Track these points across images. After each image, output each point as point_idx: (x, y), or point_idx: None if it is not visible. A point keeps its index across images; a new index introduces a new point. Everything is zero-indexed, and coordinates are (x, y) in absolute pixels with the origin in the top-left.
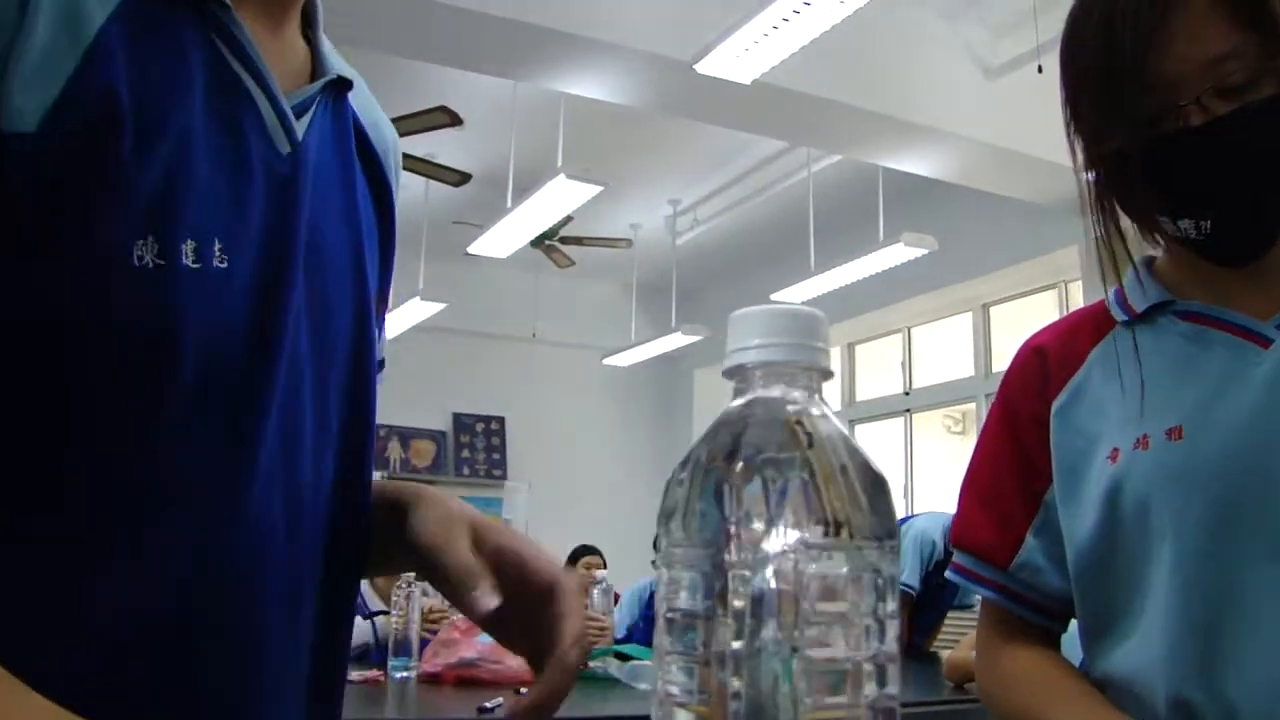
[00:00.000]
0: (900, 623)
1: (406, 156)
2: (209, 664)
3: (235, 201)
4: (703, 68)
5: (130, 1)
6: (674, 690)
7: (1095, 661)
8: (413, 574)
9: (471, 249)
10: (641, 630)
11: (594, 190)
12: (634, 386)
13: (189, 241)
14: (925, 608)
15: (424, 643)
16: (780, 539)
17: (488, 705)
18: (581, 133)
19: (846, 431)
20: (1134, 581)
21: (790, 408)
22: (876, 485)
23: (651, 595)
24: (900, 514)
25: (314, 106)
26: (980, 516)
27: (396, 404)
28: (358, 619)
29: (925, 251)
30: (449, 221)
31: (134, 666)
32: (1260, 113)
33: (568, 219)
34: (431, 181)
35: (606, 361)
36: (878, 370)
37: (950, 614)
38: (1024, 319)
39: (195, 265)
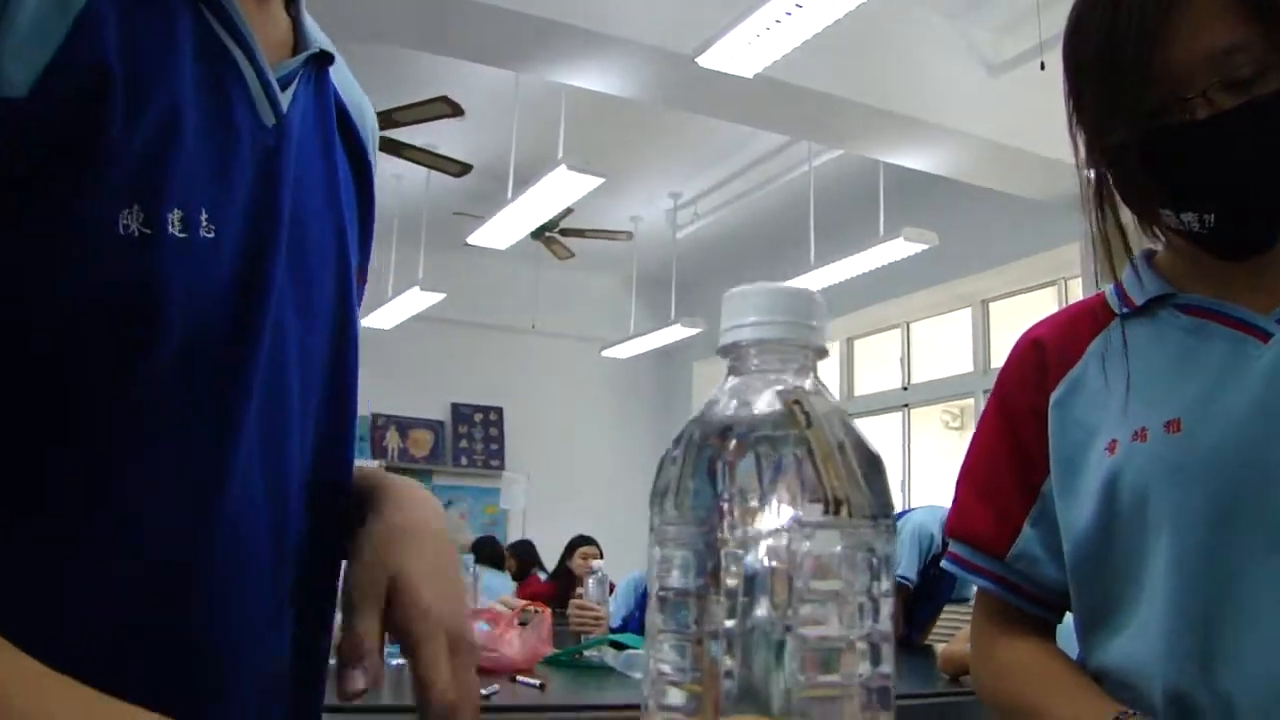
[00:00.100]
0: (895, 616)
1: (408, 146)
2: (193, 646)
3: (222, 172)
4: (705, 61)
5: None
6: (666, 669)
7: (1091, 653)
8: None
9: (471, 240)
10: (637, 620)
11: (595, 182)
12: (633, 379)
13: (175, 211)
14: (922, 601)
15: None
16: (774, 517)
17: (483, 692)
18: (583, 125)
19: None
20: (1131, 574)
21: (786, 385)
22: (872, 463)
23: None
24: (898, 508)
25: (297, 80)
26: (977, 507)
27: (395, 394)
28: None
29: (925, 247)
30: (449, 212)
31: (120, 651)
32: (1268, 107)
33: (568, 211)
34: (432, 172)
35: (605, 353)
36: (876, 365)
37: (946, 608)
38: (1024, 315)
39: (182, 234)
